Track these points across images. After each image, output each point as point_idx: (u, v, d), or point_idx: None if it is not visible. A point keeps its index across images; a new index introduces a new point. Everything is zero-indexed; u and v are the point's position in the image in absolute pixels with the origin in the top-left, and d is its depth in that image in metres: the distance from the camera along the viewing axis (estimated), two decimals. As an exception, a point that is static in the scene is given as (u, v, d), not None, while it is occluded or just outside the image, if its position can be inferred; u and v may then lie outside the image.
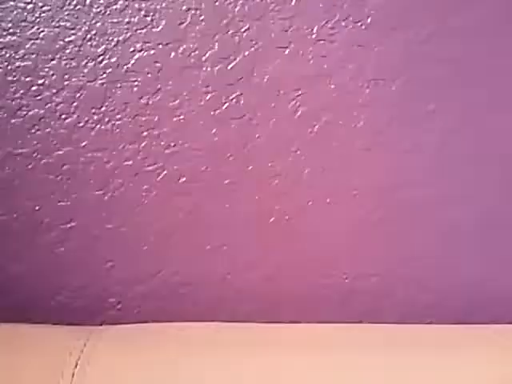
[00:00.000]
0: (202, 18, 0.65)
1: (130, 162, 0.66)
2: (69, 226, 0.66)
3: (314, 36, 0.66)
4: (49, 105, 0.65)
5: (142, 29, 0.65)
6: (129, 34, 0.65)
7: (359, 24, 0.66)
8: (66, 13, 0.64)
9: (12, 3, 0.64)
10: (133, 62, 0.65)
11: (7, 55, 0.64)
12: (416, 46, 0.67)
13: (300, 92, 0.67)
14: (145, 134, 0.66)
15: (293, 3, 0.66)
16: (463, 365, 0.56)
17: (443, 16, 0.67)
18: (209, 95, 0.66)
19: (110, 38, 0.65)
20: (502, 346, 0.59)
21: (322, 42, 0.66)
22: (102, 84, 0.65)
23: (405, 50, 0.67)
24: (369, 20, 0.67)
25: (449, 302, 0.70)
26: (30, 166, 0.65)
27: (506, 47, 0.68)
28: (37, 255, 0.66)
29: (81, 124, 0.65)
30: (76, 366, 0.53)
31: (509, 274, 0.71)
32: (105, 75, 0.65)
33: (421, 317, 0.69)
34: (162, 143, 0.66)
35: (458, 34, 0.67)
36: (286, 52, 0.66)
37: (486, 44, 0.68)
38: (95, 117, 0.65)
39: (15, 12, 0.64)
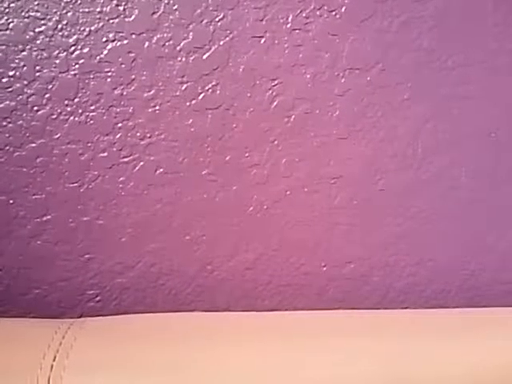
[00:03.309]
0: (175, 7, 0.61)
1: (105, 154, 0.62)
2: (44, 219, 0.62)
3: (288, 25, 0.62)
4: (20, 97, 0.60)
5: (115, 18, 0.60)
6: (101, 24, 0.60)
7: (334, 13, 0.63)
8: (36, 3, 0.59)
9: (-20, -7, 0.58)
10: (106, 52, 0.60)
11: (-23, 47, 0.59)
12: (390, 35, 0.64)
13: (276, 82, 0.63)
14: (120, 125, 0.62)
15: (267, -8, 0.62)
16: (448, 348, 0.54)
17: (417, 5, 0.64)
18: (184, 85, 0.62)
19: (82, 28, 0.60)
20: (483, 330, 0.56)
21: (297, 31, 0.62)
22: (75, 75, 0.60)
23: (379, 39, 0.64)
24: (343, 9, 0.63)
25: (423, 287, 0.68)
26: (2, 159, 0.61)
27: (479, 35, 0.65)
28: (13, 249, 0.62)
29: (54, 116, 0.61)
30: (54, 359, 0.50)
31: (481, 258, 0.69)
32: (77, 66, 0.60)
33: (397, 302, 0.67)
34: (138, 134, 0.62)
35: (432, 23, 0.64)
36: (262, 41, 0.62)
37: (459, 32, 0.65)
38: (68, 108, 0.61)
39: (-16, 2, 0.59)
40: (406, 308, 0.67)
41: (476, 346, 0.54)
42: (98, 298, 0.63)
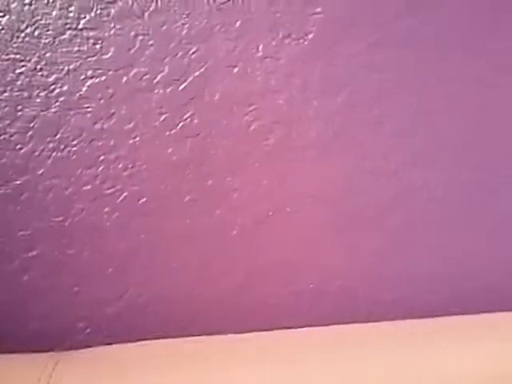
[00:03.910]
0: (150, 42, 0.62)
1: (89, 187, 0.62)
2: (31, 254, 0.61)
3: (260, 54, 0.64)
4: (3, 136, 0.61)
5: (92, 56, 0.62)
6: (79, 63, 0.62)
7: (301, 40, 0.65)
8: (15, 45, 0.61)
9: (-39, 40, 0.60)
10: (85, 89, 0.62)
11: (-41, 91, 0.60)
12: (357, 57, 0.66)
13: (252, 108, 0.64)
14: (102, 158, 0.62)
15: (237, 24, 0.64)
16: (440, 356, 0.54)
17: (382, 28, 0.66)
18: (163, 116, 0.63)
19: (61, 68, 0.61)
20: (469, 336, 0.56)
21: (268, 59, 0.64)
22: (55, 112, 0.61)
23: (347, 62, 0.66)
24: (310, 36, 0.65)
25: (407, 299, 0.68)
26: (-13, 198, 0.61)
27: (448, 54, 0.67)
28: (1, 285, 0.61)
29: (36, 153, 0.61)
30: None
31: (462, 267, 0.69)
32: (58, 103, 0.61)
33: (383, 314, 0.67)
34: (120, 166, 0.63)
35: (397, 44, 0.66)
36: (235, 70, 0.64)
37: (424, 53, 0.67)
38: (51, 145, 0.61)
39: (-35, 48, 0.60)
40: (393, 319, 0.67)
41: (464, 353, 0.54)
42: (87, 330, 0.63)
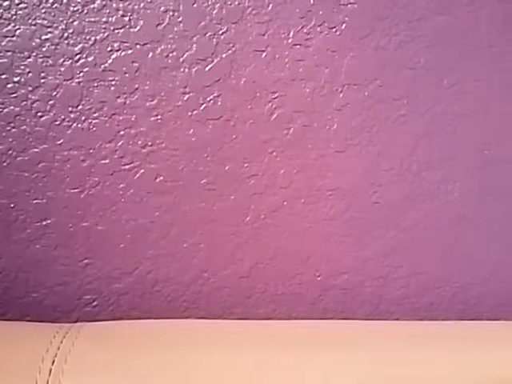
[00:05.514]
0: (179, 19, 0.60)
1: (107, 161, 0.61)
2: (44, 223, 0.60)
3: (290, 40, 0.62)
4: (24, 102, 0.59)
5: (120, 28, 0.59)
6: (106, 34, 0.59)
7: (334, 30, 0.62)
8: (43, 11, 0.58)
9: (-12, 0, 0.58)
10: (110, 61, 0.59)
11: (-17, 52, 0.58)
12: (388, 52, 0.63)
13: (276, 95, 0.62)
14: (122, 133, 0.61)
15: (269, 8, 0.61)
16: (438, 360, 0.53)
17: (415, 24, 0.63)
18: (186, 96, 0.61)
19: (88, 37, 0.59)
20: (473, 343, 0.55)
21: (298, 46, 0.62)
22: (79, 83, 0.59)
23: (377, 56, 0.63)
24: (343, 26, 0.63)
25: (415, 299, 0.67)
26: (5, 164, 0.59)
27: (474, 55, 0.65)
28: (12, 252, 0.60)
29: (57, 122, 0.60)
30: (53, 363, 0.49)
31: (472, 272, 0.68)
32: (82, 74, 0.59)
33: (388, 313, 0.66)
34: (139, 142, 0.61)
35: (428, 42, 0.64)
36: (263, 55, 0.61)
37: (454, 52, 0.64)
38: (72, 115, 0.60)
39: (-8, 9, 0.58)
40: (397, 319, 0.67)
41: (465, 358, 0.54)
42: (94, 303, 0.62)
